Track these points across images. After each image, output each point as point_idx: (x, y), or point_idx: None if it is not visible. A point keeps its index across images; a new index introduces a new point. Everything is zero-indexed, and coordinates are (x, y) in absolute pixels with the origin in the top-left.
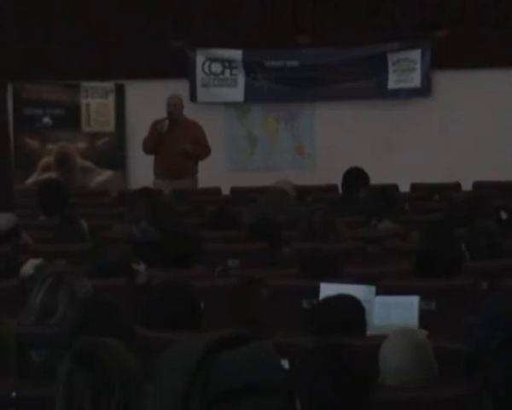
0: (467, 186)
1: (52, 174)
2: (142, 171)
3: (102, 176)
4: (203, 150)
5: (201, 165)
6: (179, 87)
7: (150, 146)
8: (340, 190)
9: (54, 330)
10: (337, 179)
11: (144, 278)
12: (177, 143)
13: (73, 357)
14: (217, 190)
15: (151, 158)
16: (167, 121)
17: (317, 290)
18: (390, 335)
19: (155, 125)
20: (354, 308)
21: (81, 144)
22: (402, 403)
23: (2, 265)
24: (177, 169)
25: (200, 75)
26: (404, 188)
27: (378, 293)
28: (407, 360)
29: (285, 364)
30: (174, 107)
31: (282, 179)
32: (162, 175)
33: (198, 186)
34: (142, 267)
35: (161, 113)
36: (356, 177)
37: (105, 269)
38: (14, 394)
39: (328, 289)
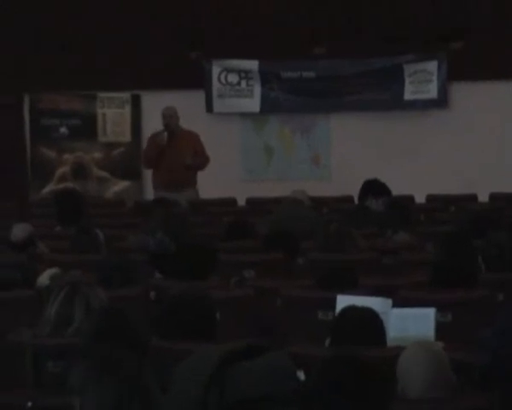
0: (483, 197)
1: (68, 184)
2: None
3: (118, 186)
4: (202, 160)
5: (218, 175)
6: (195, 98)
7: (151, 159)
8: (357, 201)
9: (70, 341)
10: (353, 190)
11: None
12: (177, 154)
13: (93, 366)
14: (232, 201)
15: None
16: (166, 133)
17: (332, 302)
18: (408, 347)
19: (154, 138)
20: (372, 320)
21: (97, 154)
22: None
23: (19, 274)
24: (178, 181)
25: (216, 86)
26: (420, 199)
27: (394, 305)
28: (425, 371)
29: (300, 375)
30: (170, 118)
31: (297, 190)
32: (162, 187)
33: (199, 197)
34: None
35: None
36: (372, 188)
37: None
38: (29, 404)
39: (344, 302)
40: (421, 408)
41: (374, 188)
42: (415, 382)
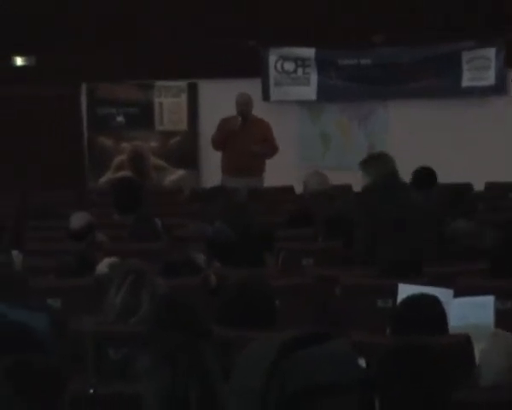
0: None
1: (126, 173)
2: (214, 169)
3: (175, 175)
4: (271, 149)
5: (275, 163)
6: (252, 86)
7: (220, 142)
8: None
9: (132, 329)
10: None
11: (213, 283)
12: (247, 141)
13: (156, 354)
14: (290, 189)
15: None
16: (240, 119)
17: (391, 290)
18: (493, 335)
19: (227, 122)
20: (435, 307)
21: (154, 143)
22: (495, 404)
23: (76, 262)
24: (246, 167)
25: (272, 74)
26: (479, 187)
27: (454, 293)
28: (507, 361)
29: (362, 363)
30: (245, 106)
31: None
32: (230, 172)
33: (264, 185)
34: (210, 273)
35: (234, 111)
36: (426, 175)
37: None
38: (91, 391)
39: (406, 291)
40: (491, 395)
41: (426, 175)
42: (493, 371)
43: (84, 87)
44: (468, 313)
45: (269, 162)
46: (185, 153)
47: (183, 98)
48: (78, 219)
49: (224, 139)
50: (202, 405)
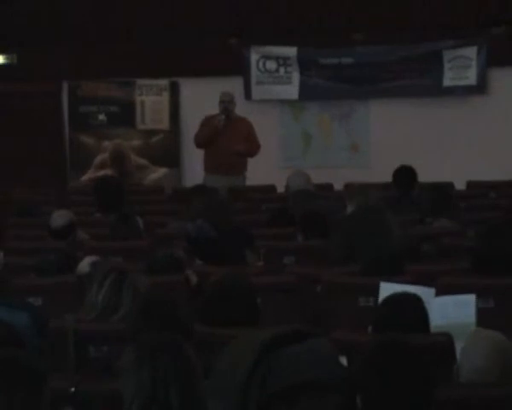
0: None
1: (107, 171)
2: (196, 168)
3: (157, 173)
4: (254, 147)
5: (256, 162)
6: (234, 85)
7: (203, 140)
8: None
9: (113, 327)
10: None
11: (194, 281)
12: (230, 139)
13: (137, 352)
14: (272, 188)
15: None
16: (223, 117)
17: (373, 288)
18: (473, 334)
19: (210, 119)
20: (416, 305)
21: (136, 142)
22: (472, 400)
23: (57, 260)
24: (228, 165)
25: (254, 73)
26: (460, 186)
27: (436, 292)
28: (489, 360)
29: (343, 361)
30: (228, 103)
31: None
32: (212, 170)
33: (246, 183)
34: (191, 272)
35: (216, 110)
36: (407, 175)
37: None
38: (72, 389)
39: (388, 289)
40: (470, 392)
41: (406, 175)
42: (475, 368)
43: (65, 85)
44: (449, 311)
45: (250, 161)
46: (167, 151)
47: (165, 97)
48: (59, 218)
49: (207, 137)
50: (183, 403)
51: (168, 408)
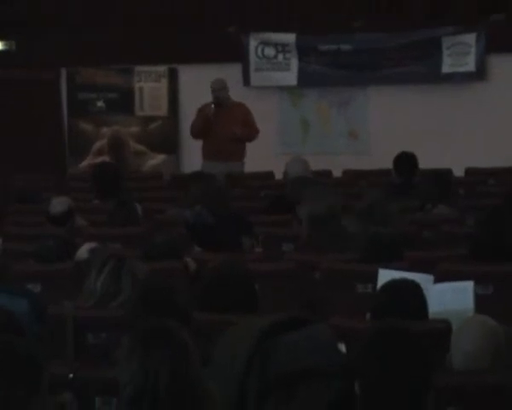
0: None
1: (105, 158)
2: (194, 155)
3: (155, 160)
4: (252, 132)
5: (254, 149)
6: (232, 71)
7: (198, 130)
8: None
9: (111, 313)
10: (391, 164)
11: (193, 268)
12: (226, 126)
13: (136, 338)
14: (270, 175)
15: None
16: (213, 106)
17: (371, 275)
18: (465, 320)
19: (202, 110)
20: (414, 291)
21: (134, 128)
22: (469, 387)
23: (56, 246)
24: (226, 152)
25: (253, 59)
26: (459, 172)
27: (435, 279)
28: (479, 346)
29: (342, 348)
30: (219, 91)
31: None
32: (211, 157)
33: (244, 170)
34: (190, 260)
35: None
36: (409, 161)
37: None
38: (70, 375)
39: (386, 276)
40: (463, 379)
41: (407, 161)
42: (467, 354)
43: (64, 72)
44: (447, 298)
45: (249, 147)
46: (165, 138)
47: (164, 83)
48: (58, 204)
49: (201, 127)
50: (172, 391)
51: (157, 395)
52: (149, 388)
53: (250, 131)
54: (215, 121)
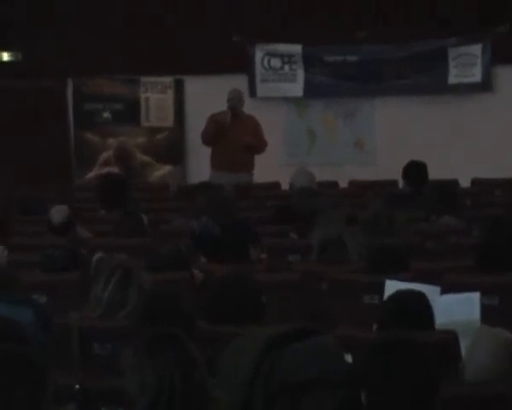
0: None
1: (112, 169)
2: (200, 165)
3: (161, 170)
4: (260, 144)
5: (261, 160)
6: (238, 82)
7: (210, 137)
8: (401, 185)
9: (117, 324)
10: (397, 174)
11: (199, 279)
12: (237, 136)
13: (141, 348)
14: (276, 185)
15: (209, 152)
16: (230, 114)
17: (378, 286)
18: (478, 332)
19: (216, 116)
20: (422, 304)
21: (140, 139)
22: (476, 397)
23: (62, 256)
24: (237, 163)
25: (259, 70)
26: (465, 183)
27: (442, 290)
28: (493, 358)
29: (348, 358)
30: (236, 101)
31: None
32: (220, 168)
33: (253, 182)
34: (196, 271)
35: (220, 108)
36: (419, 171)
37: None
38: (77, 386)
39: (393, 287)
40: (474, 390)
41: (417, 171)
42: (479, 366)
43: (70, 83)
44: (454, 309)
45: (255, 158)
46: (171, 149)
47: (170, 94)
48: (56, 213)
49: (213, 134)
50: (187, 392)
51: (174, 398)
52: (166, 392)
53: (259, 144)
54: (228, 131)
